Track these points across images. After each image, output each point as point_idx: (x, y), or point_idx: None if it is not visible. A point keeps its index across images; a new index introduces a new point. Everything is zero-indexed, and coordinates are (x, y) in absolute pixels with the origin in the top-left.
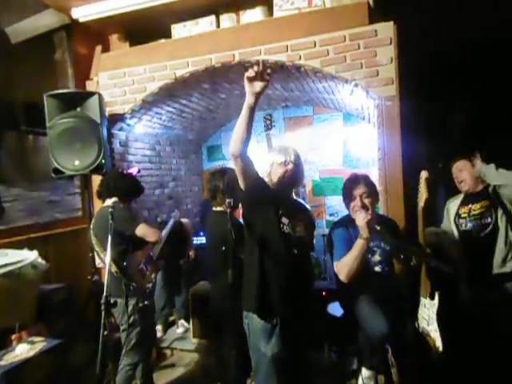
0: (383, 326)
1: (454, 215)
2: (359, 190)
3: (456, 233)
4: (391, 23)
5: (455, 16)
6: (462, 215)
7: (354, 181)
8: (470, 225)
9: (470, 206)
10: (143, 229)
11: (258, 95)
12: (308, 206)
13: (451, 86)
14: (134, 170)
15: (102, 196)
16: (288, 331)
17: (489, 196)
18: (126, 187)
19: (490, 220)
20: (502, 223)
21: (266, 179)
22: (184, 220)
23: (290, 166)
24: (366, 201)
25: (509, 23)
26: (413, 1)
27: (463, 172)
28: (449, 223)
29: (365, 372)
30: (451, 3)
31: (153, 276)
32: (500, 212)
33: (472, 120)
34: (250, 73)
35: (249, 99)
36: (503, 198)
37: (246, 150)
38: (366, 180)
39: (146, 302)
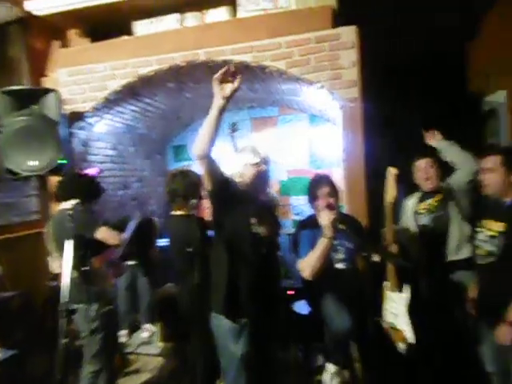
0: (347, 323)
1: (413, 212)
2: (323, 190)
3: (415, 229)
4: (354, 27)
5: (412, 25)
6: (419, 211)
7: (317, 181)
8: (426, 219)
9: (427, 201)
10: (103, 232)
11: (227, 98)
12: (277, 202)
13: (409, 90)
14: (93, 171)
15: (60, 198)
16: (256, 330)
17: (442, 189)
18: (85, 189)
19: (443, 212)
20: (454, 213)
21: (239, 179)
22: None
23: (263, 167)
24: (330, 200)
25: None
26: (375, 8)
27: (433, 168)
28: (407, 220)
29: (330, 368)
30: (408, 16)
31: (114, 280)
32: (452, 203)
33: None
34: (219, 75)
35: (218, 102)
36: (454, 184)
37: (211, 151)
38: (328, 180)
39: (103, 310)
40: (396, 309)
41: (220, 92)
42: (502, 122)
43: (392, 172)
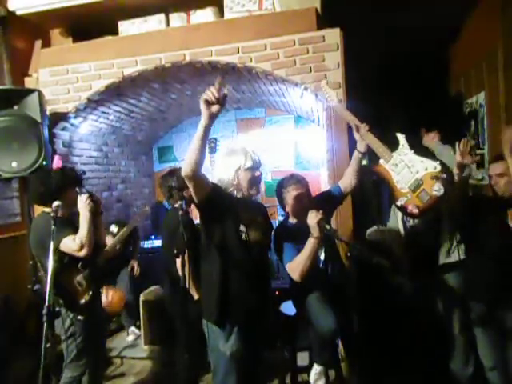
0: (332, 323)
1: (402, 214)
2: (303, 190)
3: (403, 230)
4: (338, 29)
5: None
6: None
7: (288, 181)
8: (416, 220)
9: None
10: (63, 245)
11: (214, 117)
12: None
13: (394, 90)
14: (56, 162)
15: (47, 200)
16: (246, 331)
17: None
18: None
19: (434, 214)
20: (446, 216)
21: (233, 184)
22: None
23: (258, 172)
24: (304, 201)
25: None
26: (359, 10)
27: None
28: (396, 221)
29: (316, 367)
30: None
31: (90, 292)
32: (444, 206)
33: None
34: (209, 96)
35: (205, 121)
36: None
37: (200, 169)
38: (299, 179)
39: (79, 317)
40: (405, 162)
41: (207, 111)
42: (483, 123)
43: (323, 83)
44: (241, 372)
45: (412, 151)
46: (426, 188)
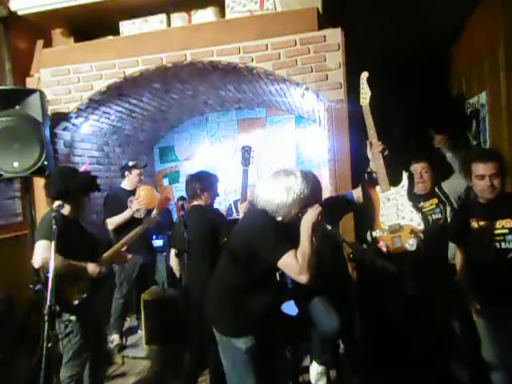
0: (335, 323)
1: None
2: None
3: None
4: (339, 29)
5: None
6: None
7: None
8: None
9: (421, 204)
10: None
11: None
12: None
13: (395, 90)
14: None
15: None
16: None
17: (436, 194)
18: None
19: (440, 216)
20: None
21: (290, 213)
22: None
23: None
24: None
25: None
26: (360, 10)
27: (428, 173)
28: None
29: (317, 368)
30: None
31: (84, 295)
32: (449, 208)
33: (412, 123)
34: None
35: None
36: (450, 194)
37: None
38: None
39: (71, 318)
40: (397, 203)
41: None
42: (484, 123)
43: (364, 75)
44: (259, 368)
45: (407, 196)
46: (402, 236)
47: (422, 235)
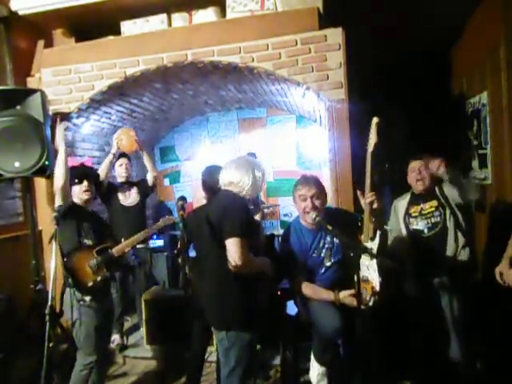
0: (335, 323)
1: (404, 214)
2: (310, 192)
3: (405, 231)
4: (340, 29)
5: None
6: (413, 214)
7: (304, 182)
8: (420, 223)
9: (420, 205)
10: None
11: None
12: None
13: (396, 90)
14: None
15: None
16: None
17: (436, 196)
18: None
19: (439, 219)
20: (450, 222)
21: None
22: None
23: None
24: (317, 202)
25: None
26: (361, 10)
27: (425, 171)
28: (397, 222)
29: (318, 368)
30: (396, 17)
31: (99, 277)
32: (448, 212)
33: (413, 124)
34: None
35: None
36: (449, 198)
37: None
38: (316, 181)
39: (86, 298)
40: (368, 259)
41: None
42: (485, 122)
43: (374, 121)
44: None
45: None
46: (367, 290)
47: (373, 298)
